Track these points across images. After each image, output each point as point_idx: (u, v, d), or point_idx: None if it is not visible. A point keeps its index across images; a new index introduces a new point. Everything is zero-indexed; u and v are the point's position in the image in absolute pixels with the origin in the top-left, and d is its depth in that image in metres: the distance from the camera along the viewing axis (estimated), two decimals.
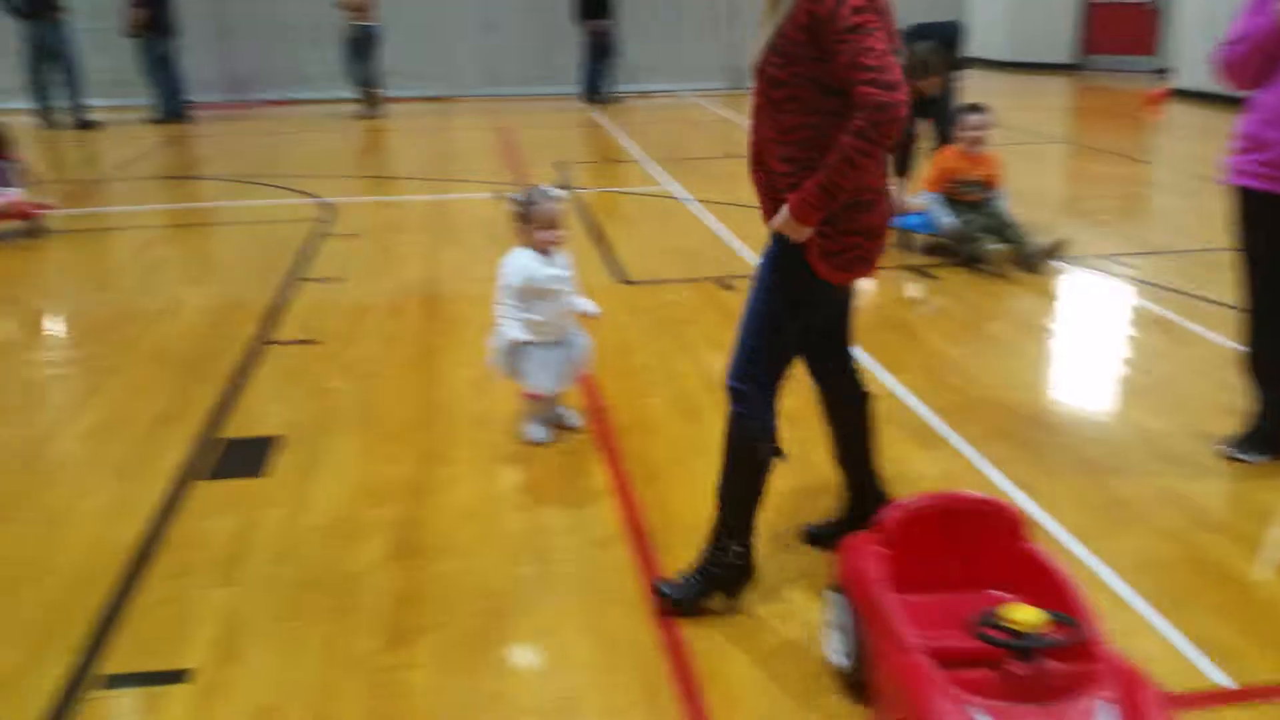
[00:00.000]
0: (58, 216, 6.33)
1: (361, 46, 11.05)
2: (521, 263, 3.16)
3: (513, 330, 3.14)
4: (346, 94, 12.73)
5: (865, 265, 2.30)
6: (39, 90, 10.69)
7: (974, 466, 3.11)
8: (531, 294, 3.15)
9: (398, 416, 3.52)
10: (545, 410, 3.31)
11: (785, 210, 2.20)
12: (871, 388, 2.60)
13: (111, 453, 3.26)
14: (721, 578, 2.40)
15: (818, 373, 2.55)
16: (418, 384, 3.81)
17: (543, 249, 3.16)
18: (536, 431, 3.29)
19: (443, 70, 13.24)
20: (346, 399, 3.67)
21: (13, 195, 5.97)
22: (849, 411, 2.57)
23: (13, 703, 2.14)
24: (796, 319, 2.31)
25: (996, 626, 1.79)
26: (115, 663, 2.26)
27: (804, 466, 2.93)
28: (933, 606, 2.02)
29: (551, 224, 3.18)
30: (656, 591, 2.41)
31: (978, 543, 2.11)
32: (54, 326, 4.54)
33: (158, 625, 2.38)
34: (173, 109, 11.20)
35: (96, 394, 3.72)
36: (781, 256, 2.27)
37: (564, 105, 12.66)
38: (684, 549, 2.53)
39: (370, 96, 11.34)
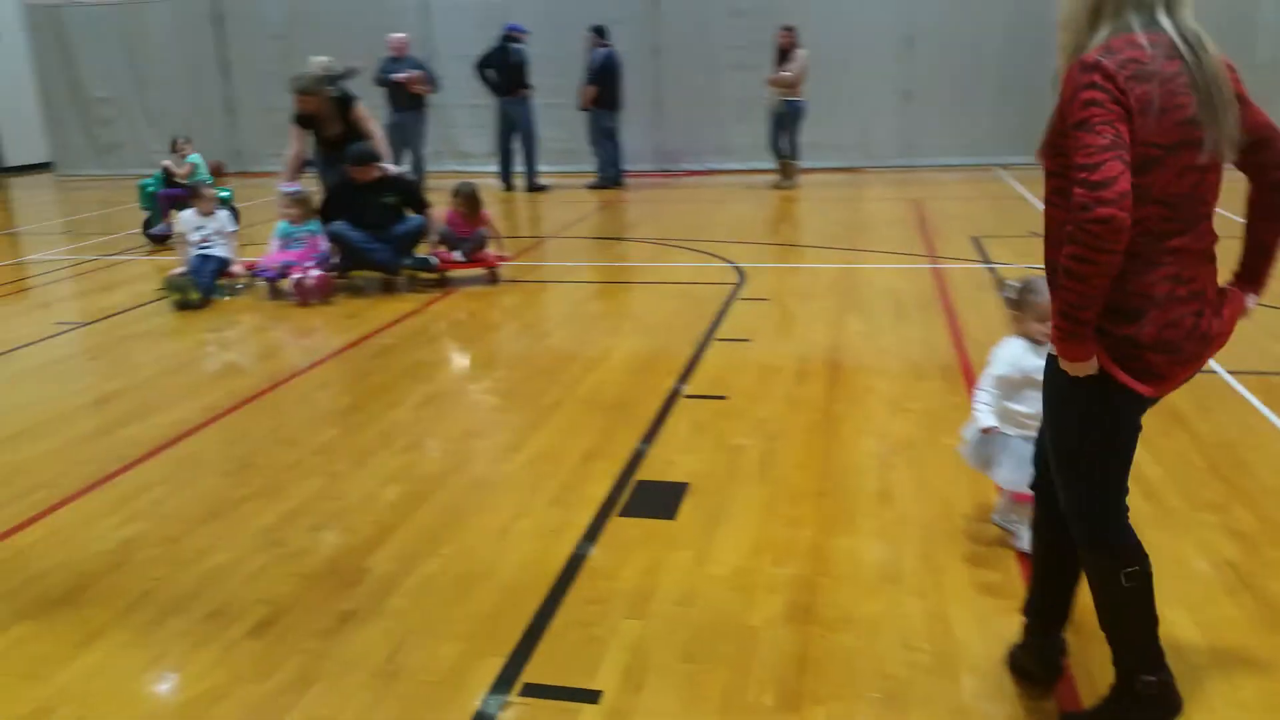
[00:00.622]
0: (510, 267, 7.25)
1: (786, 121, 11.52)
2: (1013, 352, 3.00)
3: (987, 418, 3.02)
4: (765, 165, 13.35)
5: (1157, 379, 1.98)
6: (504, 158, 12.36)
7: None
8: (1020, 384, 3.00)
9: (800, 479, 3.58)
10: (1026, 511, 3.00)
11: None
12: None
13: (547, 480, 3.63)
14: (1136, 712, 2.16)
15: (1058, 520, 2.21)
16: (820, 449, 3.84)
17: (1036, 339, 2.98)
18: (1020, 537, 3.03)
19: (859, 141, 13.42)
20: (751, 456, 3.79)
21: (482, 248, 6.96)
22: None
23: (448, 691, 2.43)
24: (1109, 437, 2.05)
25: None
26: (534, 672, 2.49)
27: None
28: None
29: (1047, 315, 2.98)
30: None
31: None
32: (508, 364, 5.16)
33: (573, 645, 2.60)
34: (612, 177, 12.39)
35: (539, 428, 4.16)
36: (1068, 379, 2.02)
37: (978, 176, 12.29)
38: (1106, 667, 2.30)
39: (787, 168, 11.77)
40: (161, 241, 8.87)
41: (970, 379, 4.40)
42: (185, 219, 6.93)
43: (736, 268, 7.29)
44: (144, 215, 9.31)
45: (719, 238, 8.58)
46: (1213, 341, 2.02)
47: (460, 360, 5.32)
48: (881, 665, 2.49)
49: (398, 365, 5.15)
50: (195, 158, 9.43)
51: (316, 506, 3.47)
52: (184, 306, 6.49)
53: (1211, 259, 2.02)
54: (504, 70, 11.91)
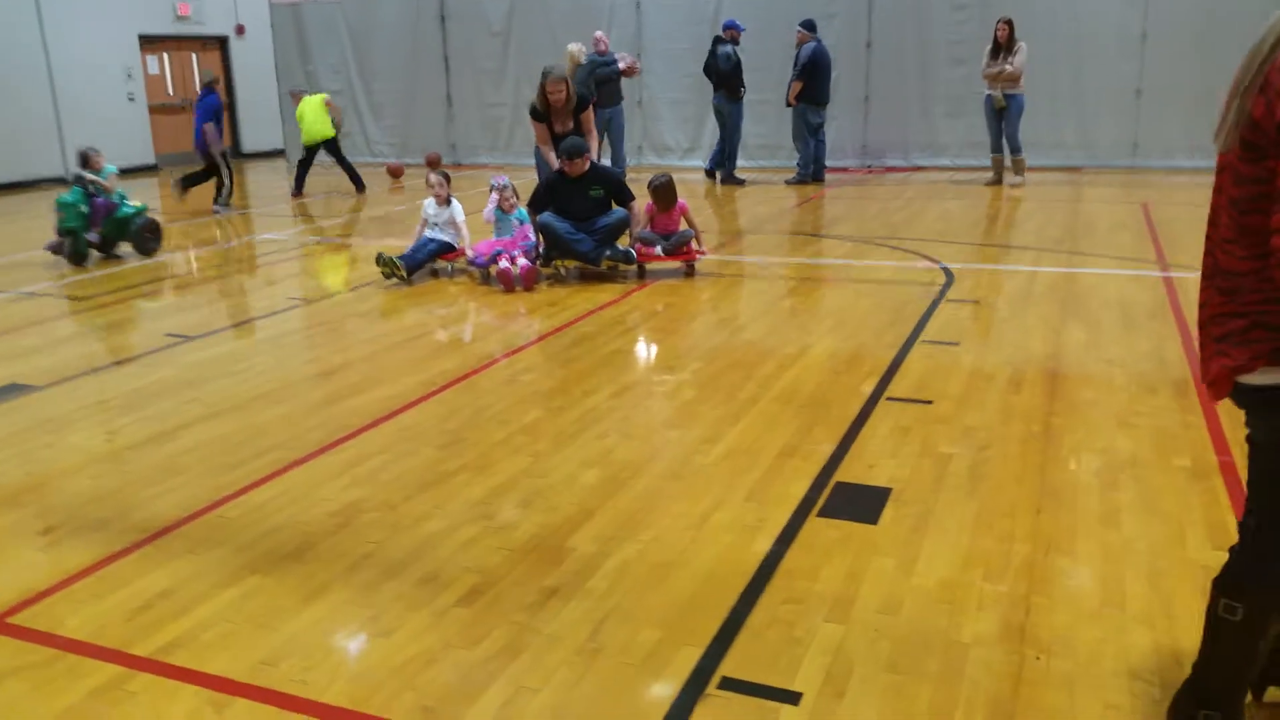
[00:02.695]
0: (707, 261, 7.25)
1: (1010, 115, 11.01)
2: None
3: None
4: (974, 162, 12.81)
5: None
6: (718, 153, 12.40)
7: None
8: None
9: (1012, 493, 3.39)
10: None
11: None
12: None
13: (743, 475, 3.60)
14: None
15: None
16: (1036, 463, 3.63)
17: None
18: None
19: (1081, 139, 12.65)
20: (959, 465, 3.62)
21: (684, 239, 7.00)
22: None
23: (647, 675, 2.44)
24: None
25: None
26: (732, 666, 2.46)
27: None
28: None
29: None
30: None
31: None
32: (704, 357, 5.17)
33: (772, 642, 2.56)
34: (814, 172, 12.21)
35: (734, 423, 4.14)
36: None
37: (1210, 180, 11.31)
38: None
39: (1018, 164, 11.24)
40: (69, 254, 8.12)
41: (1206, 397, 4.05)
42: (425, 206, 7.36)
43: (944, 268, 7.01)
44: (64, 228, 8.10)
45: (925, 236, 8.29)
46: None
47: (656, 351, 5.36)
48: (1104, 694, 2.31)
49: (596, 353, 5.25)
50: (112, 168, 8.57)
51: (522, 483, 3.57)
52: (389, 277, 7.01)
53: None
54: (713, 71, 11.97)
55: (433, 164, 15.52)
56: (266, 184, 14.66)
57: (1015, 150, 11.17)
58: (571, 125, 7.56)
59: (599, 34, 11.96)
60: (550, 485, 3.56)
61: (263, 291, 7.44)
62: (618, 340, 5.55)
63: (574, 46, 11.44)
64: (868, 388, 4.52)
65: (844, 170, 13.20)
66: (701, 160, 14.26)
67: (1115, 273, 6.73)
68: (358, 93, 16.37)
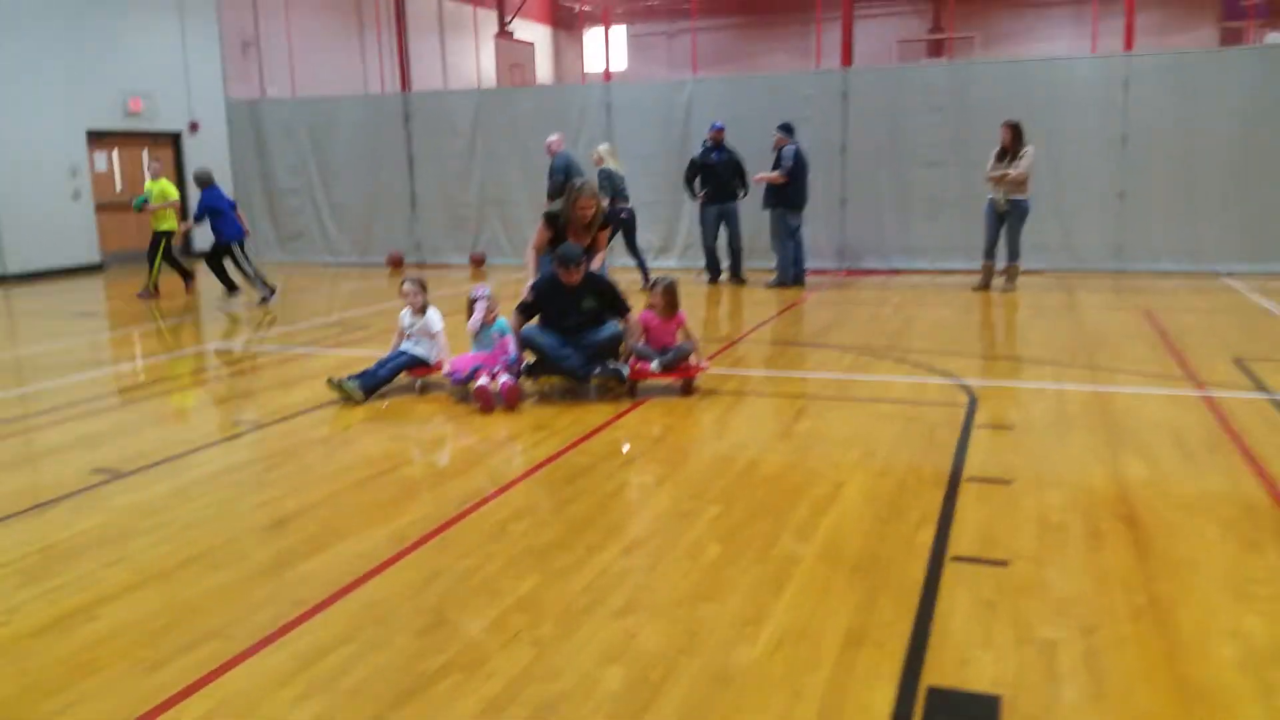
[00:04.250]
0: (703, 374, 6.58)
1: (1012, 220, 10.69)
2: None
3: None
4: (953, 265, 12.48)
5: None
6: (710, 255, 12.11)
7: None
8: None
9: (1147, 698, 2.70)
10: None
11: None
12: None
13: (806, 676, 2.87)
14: None
15: None
16: (1160, 652, 2.95)
17: None
18: None
19: (1064, 241, 12.38)
20: (1070, 656, 2.93)
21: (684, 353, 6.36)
22: None
23: None
24: None
25: None
26: None
27: None
28: None
29: None
30: None
31: None
32: (721, 497, 4.47)
33: None
34: (794, 275, 11.77)
35: (778, 593, 3.42)
36: None
37: (1203, 284, 11.07)
38: None
39: (1011, 270, 10.86)
40: None
41: None
42: (401, 316, 6.72)
43: (961, 385, 6.44)
44: None
45: (928, 347, 7.75)
46: None
47: (665, 490, 4.64)
48: None
49: (594, 493, 4.54)
50: None
51: (527, 691, 2.81)
52: (347, 400, 6.32)
53: None
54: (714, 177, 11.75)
55: (395, 263, 14.92)
56: (217, 287, 13.91)
57: (1013, 256, 10.81)
58: (587, 241, 6.84)
59: (555, 137, 11.80)
60: (563, 693, 2.80)
61: (210, 413, 6.64)
62: (617, 475, 4.85)
63: (603, 147, 11.23)
64: (925, 539, 3.84)
65: (822, 272, 12.80)
66: (676, 260, 13.88)
67: (1147, 391, 6.20)
68: (317, 192, 15.81)
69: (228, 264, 11.89)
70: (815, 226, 12.71)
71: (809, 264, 12.16)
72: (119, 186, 16.24)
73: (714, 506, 4.31)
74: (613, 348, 6.43)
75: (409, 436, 5.67)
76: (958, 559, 3.67)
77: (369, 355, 8.03)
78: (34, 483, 4.99)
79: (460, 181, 14.96)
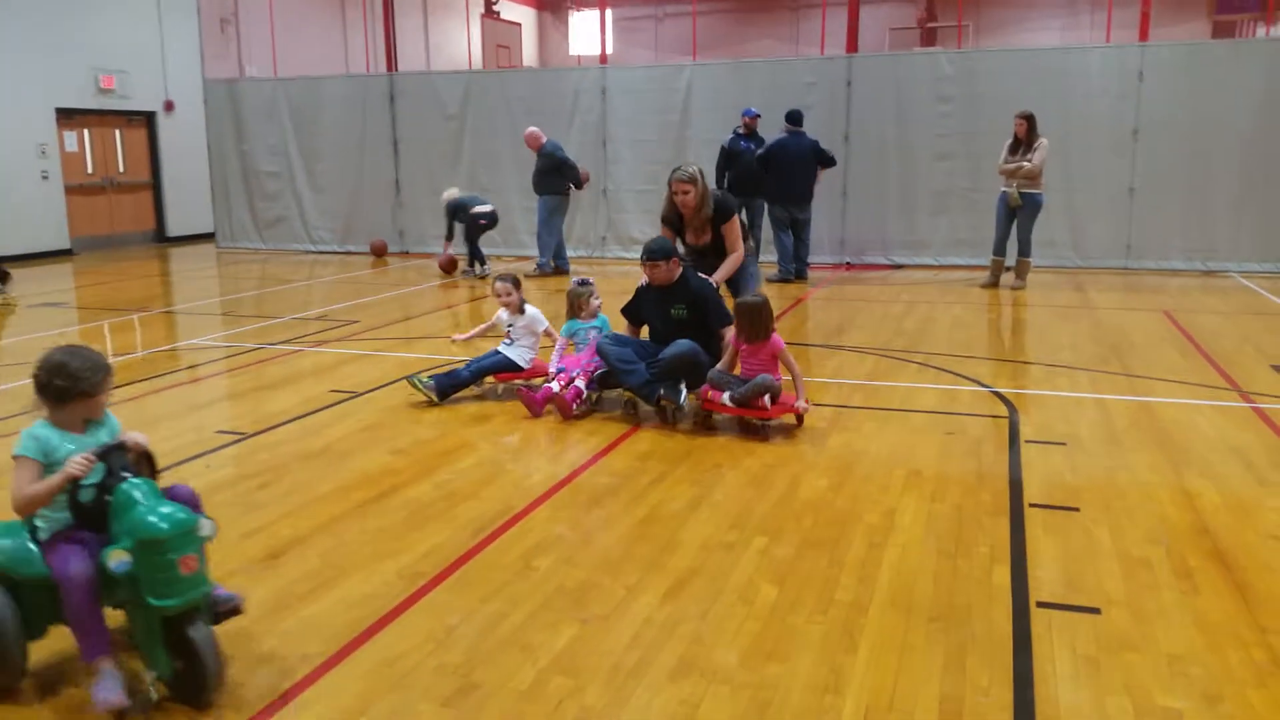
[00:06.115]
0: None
1: (1024, 215, 10.34)
2: None
3: None
4: (958, 261, 12.16)
5: None
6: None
7: None
8: None
9: None
10: None
11: None
12: None
13: None
14: None
15: None
16: None
17: None
18: None
19: (1071, 239, 12.05)
20: None
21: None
22: None
23: None
24: None
25: None
26: None
27: None
28: None
29: None
30: None
31: None
32: (767, 528, 4.06)
33: None
34: (796, 270, 11.39)
35: (853, 648, 3.02)
36: None
37: (1217, 283, 10.79)
38: None
39: (1022, 266, 10.52)
40: None
41: None
42: (499, 315, 6.29)
43: (998, 394, 6.07)
44: None
45: (950, 350, 7.38)
46: None
47: (701, 516, 4.21)
48: None
49: (625, 518, 4.13)
50: None
51: None
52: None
53: None
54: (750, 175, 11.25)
55: (378, 252, 14.38)
56: (196, 275, 13.34)
57: (1024, 253, 10.46)
58: (708, 238, 6.18)
59: (535, 129, 11.93)
60: None
61: (185, 421, 6.14)
62: (645, 497, 4.41)
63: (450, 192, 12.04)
64: (1001, 580, 3.46)
65: (823, 267, 12.42)
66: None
67: (1193, 403, 5.85)
68: (298, 175, 15.21)
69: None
70: (815, 219, 12.30)
71: (810, 258, 11.76)
72: (89, 168, 15.60)
73: (759, 537, 3.90)
74: (685, 367, 5.48)
75: (410, 450, 5.21)
76: (1043, 604, 3.28)
77: (360, 354, 7.56)
78: None
79: (448, 167, 14.42)
